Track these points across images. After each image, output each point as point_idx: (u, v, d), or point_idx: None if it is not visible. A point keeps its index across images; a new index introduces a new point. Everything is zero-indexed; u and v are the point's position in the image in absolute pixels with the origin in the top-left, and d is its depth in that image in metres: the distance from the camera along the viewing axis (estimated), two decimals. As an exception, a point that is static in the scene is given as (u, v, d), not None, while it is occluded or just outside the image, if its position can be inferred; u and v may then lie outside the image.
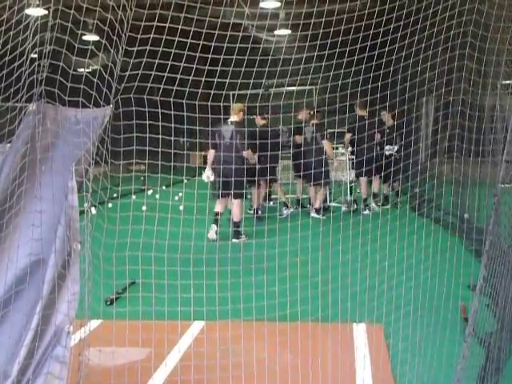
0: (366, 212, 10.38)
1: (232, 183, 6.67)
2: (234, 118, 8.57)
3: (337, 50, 4.46)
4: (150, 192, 11.90)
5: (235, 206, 7.91)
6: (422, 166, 8.77)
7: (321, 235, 4.95)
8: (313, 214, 10.05)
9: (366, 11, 4.48)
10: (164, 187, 12.34)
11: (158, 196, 11.51)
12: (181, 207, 4.74)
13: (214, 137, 8.16)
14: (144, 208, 4.77)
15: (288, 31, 5.88)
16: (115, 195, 7.36)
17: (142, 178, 11.22)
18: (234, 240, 7.05)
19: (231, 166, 6.98)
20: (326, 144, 10.22)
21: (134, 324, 4.14)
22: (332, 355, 4.35)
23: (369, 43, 4.39)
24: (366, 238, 5.00)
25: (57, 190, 3.34)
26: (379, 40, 4.36)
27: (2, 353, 3.25)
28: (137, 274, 4.29)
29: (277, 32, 8.34)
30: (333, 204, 11.30)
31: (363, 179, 10.87)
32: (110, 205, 4.05)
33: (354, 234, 4.91)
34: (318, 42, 4.52)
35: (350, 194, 11.15)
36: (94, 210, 3.72)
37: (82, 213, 3.40)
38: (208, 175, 8.29)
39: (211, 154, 8.53)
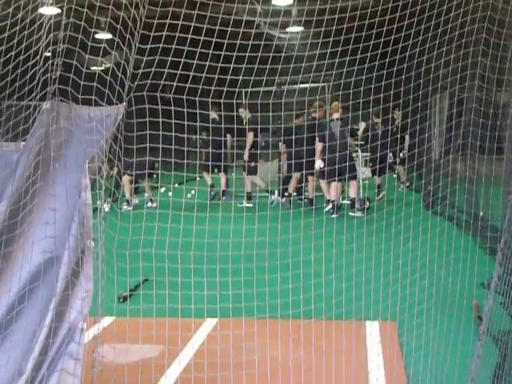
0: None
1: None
2: (336, 115, 9.94)
3: (350, 47, 4.43)
4: (162, 189, 11.90)
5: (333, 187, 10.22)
6: (436, 163, 8.71)
7: (334, 233, 4.91)
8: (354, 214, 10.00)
9: (380, 7, 4.43)
10: (177, 185, 12.33)
11: (170, 193, 11.58)
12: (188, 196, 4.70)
13: (322, 131, 9.97)
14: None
15: (300, 28, 5.83)
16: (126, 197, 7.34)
17: (155, 175, 11.31)
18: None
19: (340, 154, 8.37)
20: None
21: (148, 321, 4.13)
22: (345, 353, 4.32)
23: (382, 40, 4.35)
24: (380, 236, 4.95)
25: (70, 188, 3.34)
26: (393, 37, 4.31)
27: (16, 349, 3.26)
28: (150, 272, 4.28)
29: (289, 29, 8.35)
30: (346, 201, 11.23)
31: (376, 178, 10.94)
32: (128, 207, 4.03)
33: (367, 231, 4.87)
34: (331, 39, 4.50)
35: (363, 191, 11.06)
36: (106, 208, 3.71)
37: (95, 210, 3.39)
38: (319, 164, 10.11)
39: (320, 145, 10.14)
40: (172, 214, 4.45)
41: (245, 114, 10.81)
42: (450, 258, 4.58)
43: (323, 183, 10.81)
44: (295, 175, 11.43)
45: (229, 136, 10.95)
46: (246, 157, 11.00)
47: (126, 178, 10.83)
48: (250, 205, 10.49)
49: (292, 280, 4.52)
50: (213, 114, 10.75)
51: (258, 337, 4.34)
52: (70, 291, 3.27)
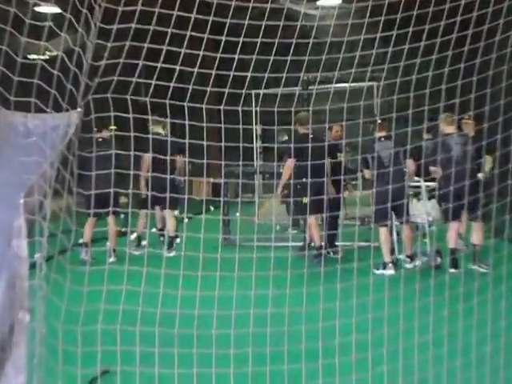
0: (453, 270, 10.06)
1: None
2: (450, 129, 10.31)
3: (409, 30, 4.41)
4: (132, 236, 11.84)
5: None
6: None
7: (386, 302, 4.87)
8: (381, 271, 10.03)
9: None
10: (154, 229, 12.24)
11: (145, 242, 11.46)
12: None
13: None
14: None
15: (338, 1, 5.89)
16: (82, 240, 7.22)
17: (123, 215, 11.31)
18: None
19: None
20: (410, 165, 10.42)
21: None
22: None
23: (458, 19, 4.31)
24: (455, 308, 4.93)
25: (-5, 233, 3.30)
26: (474, 14, 4.28)
27: None
28: (113, 359, 4.21)
29: (320, 2, 8.32)
30: (402, 256, 11.08)
31: (454, 224, 10.62)
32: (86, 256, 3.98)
33: (436, 302, 4.81)
34: (382, 18, 4.48)
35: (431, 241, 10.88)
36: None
37: (32, 266, 3.33)
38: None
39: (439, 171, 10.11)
40: (146, 271, 4.41)
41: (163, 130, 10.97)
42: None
43: (384, 233, 10.62)
44: (310, 220, 11.45)
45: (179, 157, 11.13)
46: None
47: (91, 220, 10.74)
48: (137, 252, 10.51)
49: (322, 374, 4.43)
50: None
51: None
52: (-8, 387, 3.20)
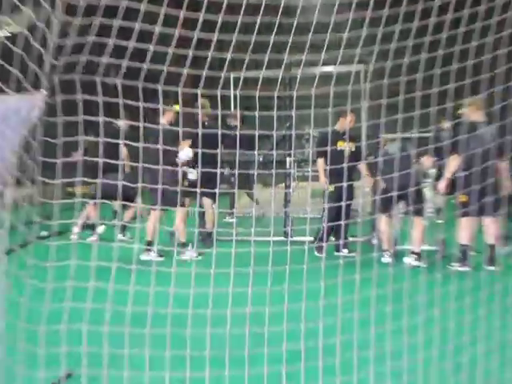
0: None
1: None
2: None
3: (402, 9, 4.42)
4: (100, 229, 11.82)
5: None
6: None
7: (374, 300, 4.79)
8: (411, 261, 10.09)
9: None
10: (123, 221, 12.13)
11: (121, 236, 11.31)
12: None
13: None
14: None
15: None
16: (46, 233, 7.22)
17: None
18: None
19: None
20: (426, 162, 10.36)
21: None
22: None
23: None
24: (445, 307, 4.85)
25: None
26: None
27: None
28: (78, 362, 4.16)
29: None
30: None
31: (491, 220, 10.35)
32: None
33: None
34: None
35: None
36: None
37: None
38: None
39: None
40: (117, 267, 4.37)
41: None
42: None
43: (385, 222, 10.83)
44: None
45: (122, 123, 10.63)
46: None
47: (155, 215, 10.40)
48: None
49: (304, 377, 4.39)
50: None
51: None
52: None
